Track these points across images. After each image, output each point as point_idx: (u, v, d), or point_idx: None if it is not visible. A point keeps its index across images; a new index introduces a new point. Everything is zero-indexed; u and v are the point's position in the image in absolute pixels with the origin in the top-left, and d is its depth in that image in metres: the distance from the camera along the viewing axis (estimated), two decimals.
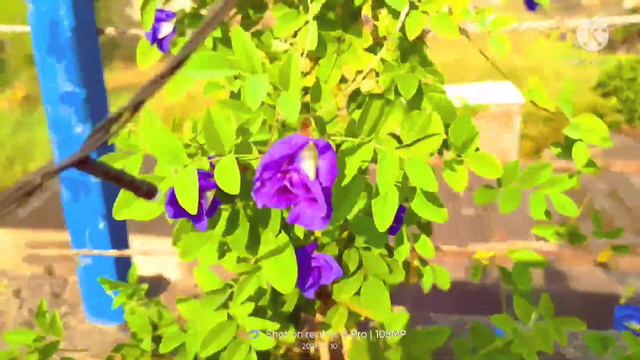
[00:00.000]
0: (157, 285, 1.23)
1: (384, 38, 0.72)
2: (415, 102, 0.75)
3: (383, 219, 0.50)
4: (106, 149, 1.03)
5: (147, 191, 0.29)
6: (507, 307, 0.92)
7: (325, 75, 0.68)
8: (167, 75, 0.24)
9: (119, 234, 1.04)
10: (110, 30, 0.98)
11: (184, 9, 0.80)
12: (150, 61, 0.82)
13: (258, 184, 0.39)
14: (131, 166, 0.65)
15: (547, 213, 0.80)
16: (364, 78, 0.46)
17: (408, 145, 0.47)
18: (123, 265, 1.08)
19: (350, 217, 0.53)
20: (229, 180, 0.50)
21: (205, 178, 0.55)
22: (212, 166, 0.56)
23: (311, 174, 0.39)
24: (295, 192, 0.39)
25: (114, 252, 1.00)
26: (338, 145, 0.46)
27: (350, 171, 0.45)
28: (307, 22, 0.66)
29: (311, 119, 0.42)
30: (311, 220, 0.40)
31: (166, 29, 0.80)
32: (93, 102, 0.96)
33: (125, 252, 1.01)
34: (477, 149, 0.74)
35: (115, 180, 0.27)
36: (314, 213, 0.39)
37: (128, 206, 0.51)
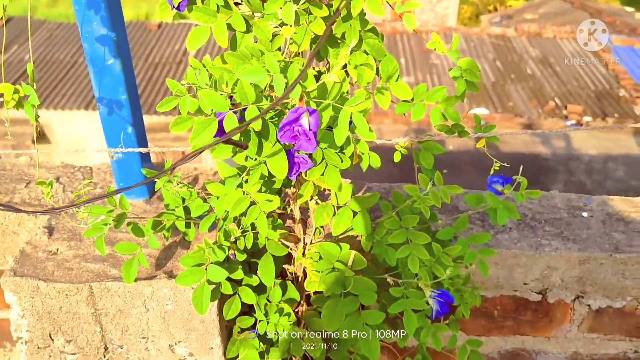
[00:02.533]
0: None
1: (337, 10, 1.09)
2: (357, 46, 1.14)
3: (340, 139, 0.91)
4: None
5: (245, 147, 0.69)
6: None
7: (300, 39, 1.05)
8: (216, 143, 0.63)
9: (141, 137, 1.42)
10: None
11: None
12: (169, 16, 1.15)
13: (281, 132, 0.79)
14: (182, 104, 1.03)
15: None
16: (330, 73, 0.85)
17: (354, 105, 0.87)
18: (144, 157, 1.47)
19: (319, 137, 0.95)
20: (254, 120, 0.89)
21: (235, 113, 0.94)
22: (234, 105, 0.95)
23: (307, 126, 0.79)
24: (299, 136, 0.79)
25: (142, 149, 1.39)
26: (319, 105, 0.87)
27: (325, 119, 0.85)
28: (286, 2, 1.03)
29: (304, 94, 0.81)
30: (307, 148, 0.81)
31: None
32: (119, 42, 1.29)
33: (149, 149, 1.39)
34: (398, 79, 1.15)
35: (235, 144, 0.67)
36: (309, 145, 0.80)
37: (199, 135, 0.90)
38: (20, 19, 12.24)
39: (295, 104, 0.81)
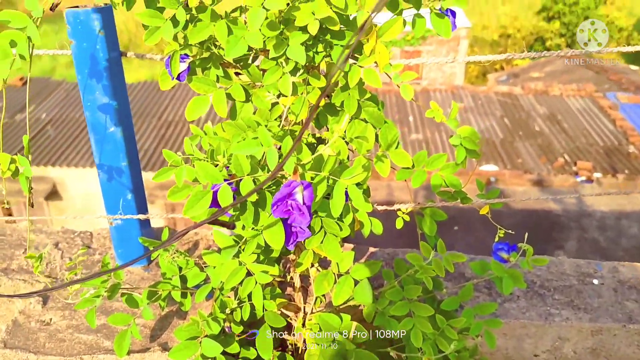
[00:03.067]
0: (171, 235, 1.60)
1: (336, 83, 1.10)
2: (356, 114, 1.14)
3: (336, 211, 0.89)
4: None
5: (232, 227, 0.67)
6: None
7: (297, 109, 1.05)
8: (214, 217, 0.61)
9: (141, 203, 1.41)
10: (131, 54, 1.31)
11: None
12: (169, 85, 1.16)
13: (274, 207, 0.77)
14: (178, 174, 1.02)
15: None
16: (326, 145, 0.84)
17: (349, 178, 0.86)
18: (143, 224, 1.45)
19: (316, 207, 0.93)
20: (247, 192, 0.87)
21: (230, 185, 0.93)
22: (230, 176, 0.94)
23: (301, 201, 0.77)
24: (293, 210, 0.78)
25: (141, 216, 1.37)
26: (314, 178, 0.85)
27: (320, 192, 0.84)
28: (284, 74, 1.03)
29: (298, 167, 0.80)
30: (301, 222, 0.79)
31: (182, 66, 1.14)
32: (120, 110, 1.30)
33: (148, 216, 1.38)
34: (398, 146, 1.14)
35: (221, 225, 0.65)
36: (303, 219, 0.79)
37: (193, 207, 0.88)
38: (39, 79, 12.61)
39: (289, 177, 0.80)
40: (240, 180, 0.89)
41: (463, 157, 1.13)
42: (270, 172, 0.77)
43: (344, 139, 1.04)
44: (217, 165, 0.96)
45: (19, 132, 9.99)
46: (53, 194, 9.12)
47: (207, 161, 0.98)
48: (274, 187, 1.02)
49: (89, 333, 1.28)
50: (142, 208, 1.42)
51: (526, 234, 1.30)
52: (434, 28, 1.03)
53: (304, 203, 0.78)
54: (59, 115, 10.83)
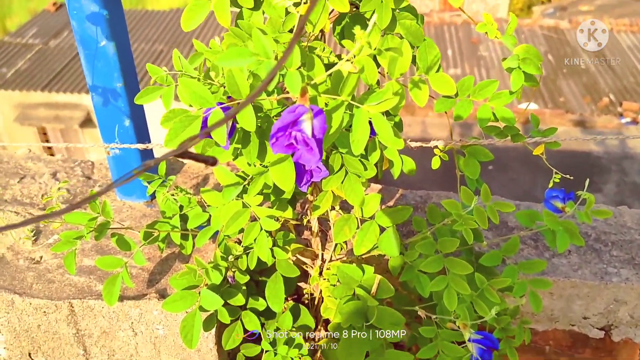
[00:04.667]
0: (173, 167, 1.45)
1: None
2: (389, 28, 0.92)
3: (357, 147, 0.70)
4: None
5: (213, 162, 0.49)
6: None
7: (316, 17, 0.84)
8: (226, 120, 0.43)
9: (142, 130, 1.24)
10: None
11: None
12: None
13: (273, 139, 0.59)
14: (166, 95, 0.83)
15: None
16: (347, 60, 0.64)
17: (375, 104, 0.66)
18: (145, 154, 1.29)
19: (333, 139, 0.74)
20: (247, 119, 0.69)
21: (226, 109, 0.74)
22: (229, 98, 0.75)
23: (308, 132, 0.58)
24: (298, 145, 0.59)
25: (139, 146, 1.20)
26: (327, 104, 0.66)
27: (335, 122, 0.65)
28: None
29: (308, 87, 0.61)
30: (308, 160, 0.61)
31: None
32: (113, 21, 1.11)
33: (147, 145, 1.21)
34: (439, 70, 0.93)
35: (195, 160, 0.47)
36: (311, 157, 0.60)
37: (177, 136, 0.70)
38: None
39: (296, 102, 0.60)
40: (239, 105, 0.71)
41: (520, 83, 0.92)
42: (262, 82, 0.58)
43: (374, 57, 0.84)
44: (212, 85, 0.78)
45: (53, 58, 9.87)
46: (87, 122, 9.06)
47: (200, 79, 0.79)
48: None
49: (81, 274, 1.14)
50: (142, 136, 1.25)
51: (587, 181, 1.10)
52: None
53: (313, 136, 0.59)
54: None
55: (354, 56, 0.64)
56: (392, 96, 0.69)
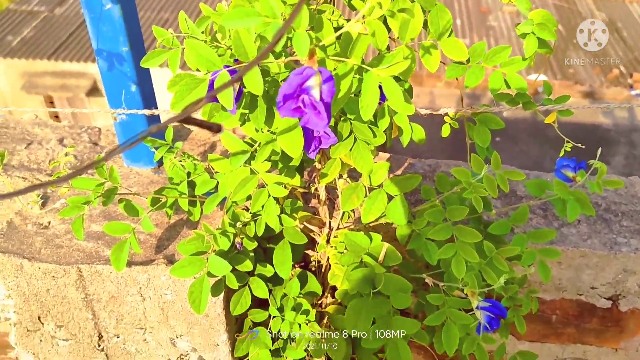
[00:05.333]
0: (180, 134, 1.44)
1: None
2: None
3: (367, 113, 0.69)
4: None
5: (217, 129, 0.48)
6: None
7: None
8: (232, 82, 0.42)
9: (148, 96, 1.23)
10: None
11: None
12: None
13: (280, 103, 0.58)
14: (172, 58, 0.82)
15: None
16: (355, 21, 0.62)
17: (385, 67, 0.64)
18: (152, 120, 1.28)
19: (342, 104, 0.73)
20: (254, 82, 0.68)
21: (233, 73, 0.73)
22: (237, 61, 0.74)
23: (317, 96, 0.57)
24: (305, 109, 0.58)
25: (146, 111, 1.19)
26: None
27: (344, 86, 0.63)
28: None
29: (317, 48, 0.59)
30: (316, 125, 0.59)
31: None
32: None
33: (155, 112, 1.20)
34: (450, 35, 0.91)
35: (199, 126, 0.46)
36: (319, 121, 0.59)
37: (183, 99, 0.69)
38: None
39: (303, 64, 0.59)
40: (246, 67, 0.69)
41: (534, 49, 0.90)
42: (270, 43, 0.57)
43: (384, 19, 0.82)
44: (219, 48, 0.76)
45: (59, 26, 9.78)
46: (94, 90, 9.03)
47: (206, 42, 0.77)
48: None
49: (89, 240, 1.15)
50: (149, 101, 1.24)
51: (599, 150, 1.08)
52: None
53: (321, 99, 0.58)
54: None
55: (364, 17, 0.62)
56: (402, 60, 0.67)
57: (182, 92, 0.69)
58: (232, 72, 0.72)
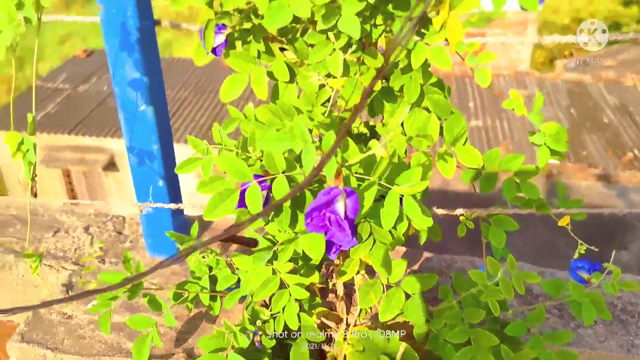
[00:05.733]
0: (202, 224, 1.48)
1: (395, 64, 0.92)
2: (417, 102, 0.96)
3: (388, 223, 0.73)
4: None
5: (254, 244, 0.52)
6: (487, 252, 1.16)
7: (348, 94, 0.88)
8: (229, 234, 0.46)
9: (174, 191, 1.28)
10: (165, 23, 1.17)
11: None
12: (204, 60, 1.01)
13: (308, 219, 0.62)
14: (206, 167, 0.87)
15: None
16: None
17: (406, 187, 0.69)
18: (176, 213, 1.32)
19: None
20: (281, 192, 0.72)
21: (263, 182, 0.78)
22: (265, 171, 0.79)
23: (342, 213, 0.61)
24: (331, 226, 0.62)
25: (172, 206, 1.24)
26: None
27: (367, 203, 0.68)
28: (334, 50, 0.86)
29: (342, 169, 0.64)
30: (341, 240, 0.63)
31: (219, 39, 0.98)
32: (152, 87, 1.17)
33: (180, 206, 1.25)
34: (465, 142, 0.96)
35: (241, 243, 0.50)
36: (344, 238, 0.63)
37: (216, 208, 0.73)
38: (101, 52, 12.81)
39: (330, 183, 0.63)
40: (274, 178, 0.74)
41: (546, 160, 0.94)
42: (308, 175, 0.61)
43: (403, 134, 0.87)
44: (249, 158, 0.82)
45: (82, 102, 10.16)
46: (111, 165, 9.26)
47: (238, 153, 0.83)
48: (316, 185, 0.87)
49: (111, 331, 1.16)
50: (175, 196, 1.30)
51: (613, 252, 1.11)
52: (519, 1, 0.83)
53: (345, 217, 0.62)
54: None
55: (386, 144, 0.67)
56: (419, 177, 0.71)
57: (215, 201, 0.73)
58: (261, 182, 0.77)
